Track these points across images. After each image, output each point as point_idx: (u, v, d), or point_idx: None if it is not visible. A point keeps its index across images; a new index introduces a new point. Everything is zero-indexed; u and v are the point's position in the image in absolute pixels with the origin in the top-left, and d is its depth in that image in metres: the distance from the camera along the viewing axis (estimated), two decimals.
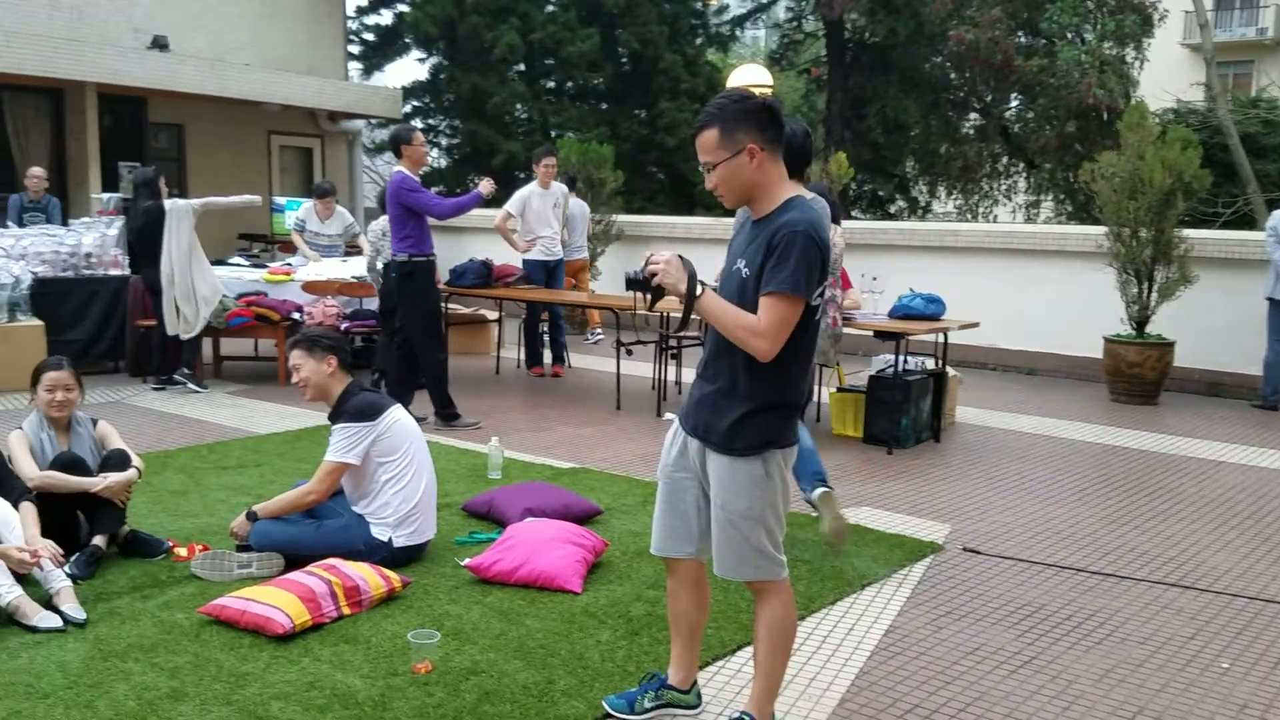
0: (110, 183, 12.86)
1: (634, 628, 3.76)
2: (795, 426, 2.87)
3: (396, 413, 4.30)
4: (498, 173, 19.94)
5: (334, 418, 4.26)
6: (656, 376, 7.95)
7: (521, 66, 20.77)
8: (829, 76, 22.54)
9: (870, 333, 6.95)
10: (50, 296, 8.11)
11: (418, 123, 21.56)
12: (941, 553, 4.72)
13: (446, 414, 7.04)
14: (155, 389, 7.98)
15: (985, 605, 4.12)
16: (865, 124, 22.12)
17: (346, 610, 3.76)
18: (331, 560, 3.96)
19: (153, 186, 7.95)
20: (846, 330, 6.68)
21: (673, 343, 7.75)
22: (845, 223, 8.63)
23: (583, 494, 5.23)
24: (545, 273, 9.17)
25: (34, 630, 3.55)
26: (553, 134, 19.77)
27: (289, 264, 9.46)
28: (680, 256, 2.74)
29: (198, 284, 7.91)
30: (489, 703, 3.17)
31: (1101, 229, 8.73)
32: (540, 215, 9.00)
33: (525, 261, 9.08)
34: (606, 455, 6.41)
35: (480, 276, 8.39)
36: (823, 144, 19.06)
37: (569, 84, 21.52)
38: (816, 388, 7.44)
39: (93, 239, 8.72)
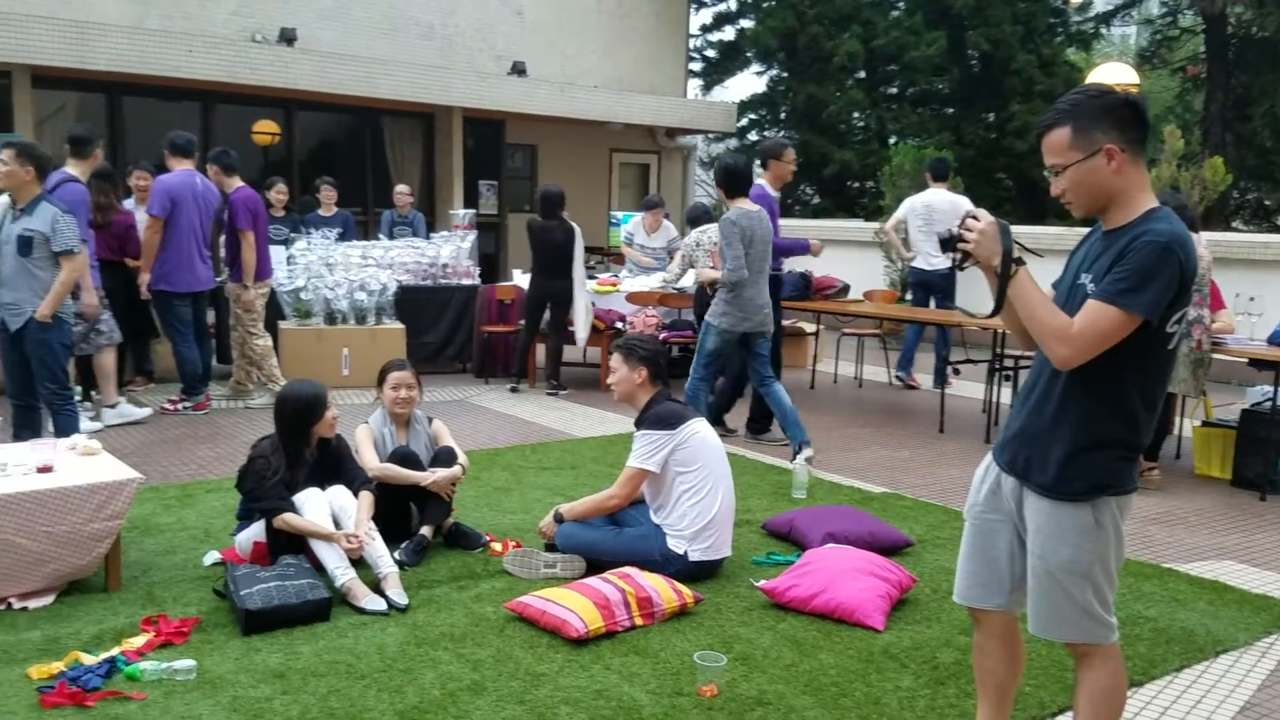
0: (470, 199, 14.04)
1: (940, 676, 3.44)
2: (1134, 470, 2.46)
3: (697, 425, 4.25)
4: (829, 182, 19.71)
5: (638, 424, 4.30)
6: (987, 399, 7.40)
7: (861, 74, 20.42)
8: (1208, 74, 20.28)
9: (1244, 360, 6.06)
10: (411, 302, 8.92)
11: (753, 135, 21.77)
12: None
13: (756, 427, 6.94)
14: (511, 390, 8.46)
15: None
16: (1250, 126, 19.62)
17: (639, 621, 3.74)
18: (627, 569, 3.98)
19: (559, 203, 8.42)
20: (1216, 356, 5.88)
21: (1008, 362, 7.18)
22: (1222, 235, 7.65)
23: (892, 522, 4.93)
24: (925, 283, 8.99)
25: (361, 612, 3.82)
26: (890, 141, 19.22)
27: (616, 275, 9.81)
28: (1001, 224, 2.43)
29: (580, 298, 8.41)
30: None
31: None
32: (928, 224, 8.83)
33: (910, 269, 9.06)
34: (923, 482, 6.03)
35: (798, 288, 8.22)
36: (1199, 147, 17.14)
37: (910, 89, 20.88)
38: (1177, 419, 6.61)
39: (449, 251, 9.50)
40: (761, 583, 4.06)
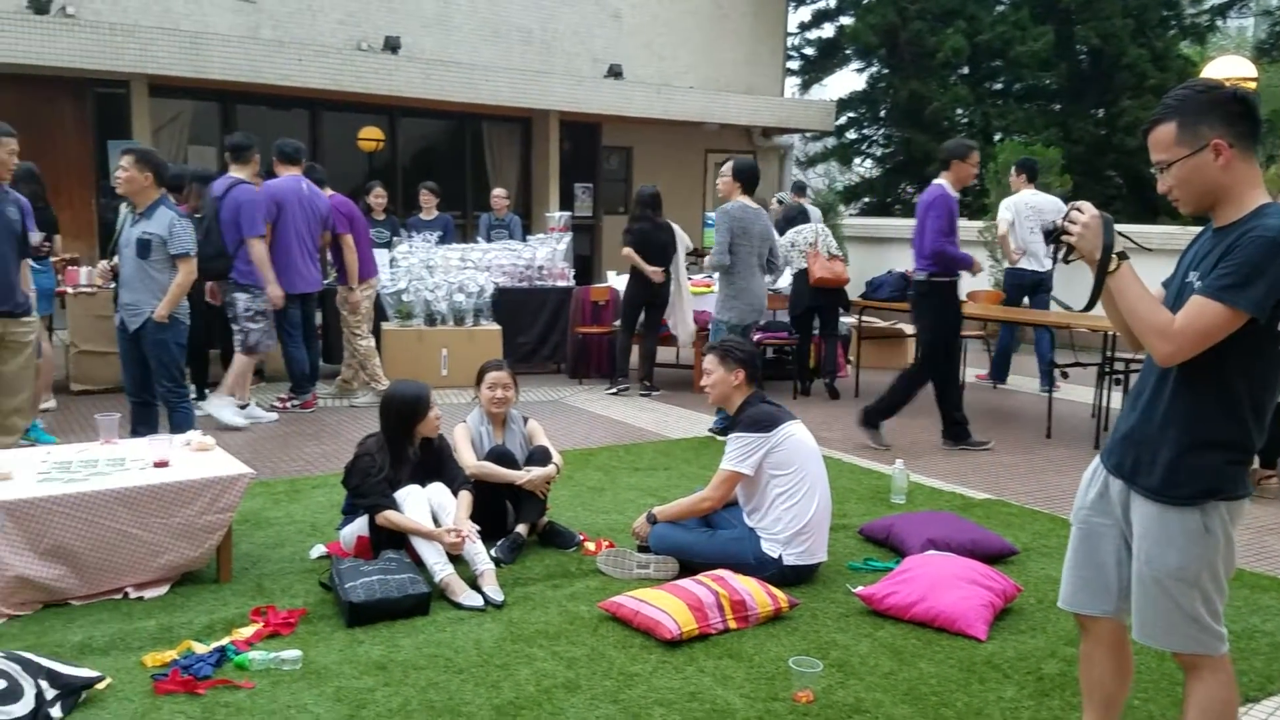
0: (566, 202, 14.17)
1: (1044, 687, 3.34)
2: (1246, 475, 2.36)
3: (793, 427, 4.20)
4: (931, 180, 19.30)
5: (731, 426, 4.27)
6: (1097, 404, 7.16)
7: (965, 70, 19.99)
8: None
9: None
10: (507, 304, 9.05)
11: (851, 134, 21.50)
12: None
13: (955, 434, 6.75)
14: (610, 392, 8.49)
15: None
16: None
17: (732, 624, 3.72)
18: (721, 571, 3.95)
19: (657, 204, 8.47)
20: None
21: (1118, 365, 6.93)
22: None
23: (996, 529, 4.80)
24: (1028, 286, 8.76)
25: (459, 607, 3.89)
26: (995, 138, 18.77)
27: (710, 276, 9.76)
28: (1105, 217, 2.38)
29: (683, 298, 8.43)
30: None
31: None
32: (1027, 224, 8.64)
33: (1010, 272, 8.81)
34: (1028, 488, 5.86)
35: (897, 289, 8.09)
36: None
37: (1016, 85, 20.36)
38: None
39: (545, 253, 9.61)
40: (859, 589, 3.99)
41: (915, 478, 5.77)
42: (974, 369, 9.61)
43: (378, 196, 9.68)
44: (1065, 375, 7.84)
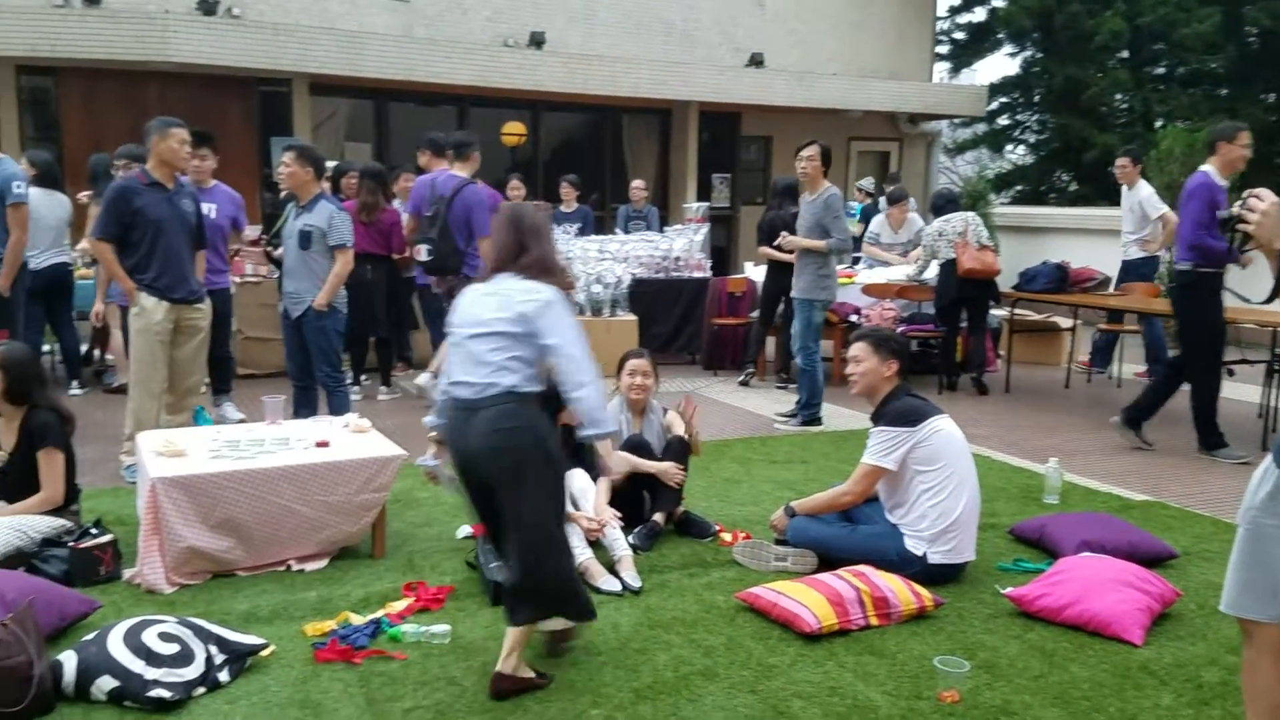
0: (703, 192, 14.16)
1: (1204, 696, 3.19)
2: None
3: (940, 422, 4.09)
4: (1089, 168, 18.48)
5: (875, 419, 4.19)
6: (1264, 402, 6.74)
7: (1125, 53, 19.06)
8: None
9: None
10: (644, 295, 9.09)
11: (1003, 120, 20.77)
12: None
13: (1210, 442, 6.37)
14: (741, 383, 8.49)
15: None
16: None
17: (874, 621, 3.66)
18: (862, 567, 3.89)
19: (795, 194, 8.42)
20: None
21: None
22: None
23: (1154, 532, 4.58)
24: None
25: (598, 591, 3.94)
26: (1156, 124, 17.84)
27: (852, 267, 9.59)
28: None
29: None
30: None
31: None
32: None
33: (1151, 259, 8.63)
34: (1189, 490, 5.56)
35: (1053, 280, 7.77)
36: None
37: (1180, 69, 19.28)
38: None
39: (682, 244, 9.63)
40: (1008, 590, 3.87)
41: (1069, 477, 5.55)
42: (1130, 365, 9.18)
43: (515, 189, 9.90)
44: (1231, 373, 7.39)
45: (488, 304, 3.17)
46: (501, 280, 3.22)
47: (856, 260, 9.59)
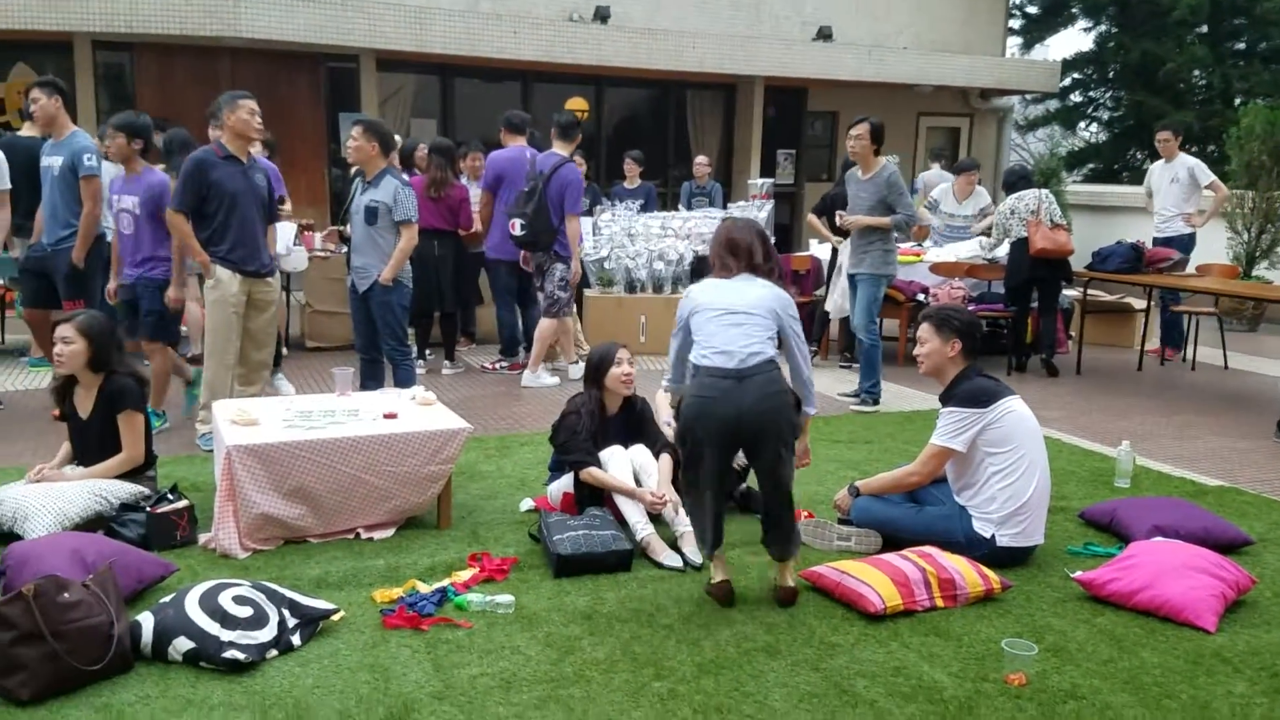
0: (768, 168, 14.02)
1: (1279, 684, 3.10)
2: None
3: (1012, 403, 4.02)
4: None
5: (944, 400, 4.13)
6: None
7: (1204, 28, 18.43)
8: None
9: None
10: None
11: (1076, 96, 20.24)
12: None
13: None
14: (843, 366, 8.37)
15: None
16: None
17: (940, 602, 3.63)
18: (928, 548, 3.85)
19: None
20: None
21: None
22: None
23: (1229, 518, 4.48)
24: None
25: (660, 566, 3.97)
26: (1236, 101, 17.25)
27: (919, 245, 9.45)
28: None
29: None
30: None
31: None
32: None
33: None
34: (1266, 476, 5.41)
35: (1128, 260, 7.58)
36: None
37: (1262, 44, 18.60)
38: None
39: None
40: (1078, 574, 3.80)
41: (1141, 461, 5.43)
42: (1205, 349, 8.94)
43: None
44: None
45: (746, 293, 3.69)
46: (745, 277, 3.78)
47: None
